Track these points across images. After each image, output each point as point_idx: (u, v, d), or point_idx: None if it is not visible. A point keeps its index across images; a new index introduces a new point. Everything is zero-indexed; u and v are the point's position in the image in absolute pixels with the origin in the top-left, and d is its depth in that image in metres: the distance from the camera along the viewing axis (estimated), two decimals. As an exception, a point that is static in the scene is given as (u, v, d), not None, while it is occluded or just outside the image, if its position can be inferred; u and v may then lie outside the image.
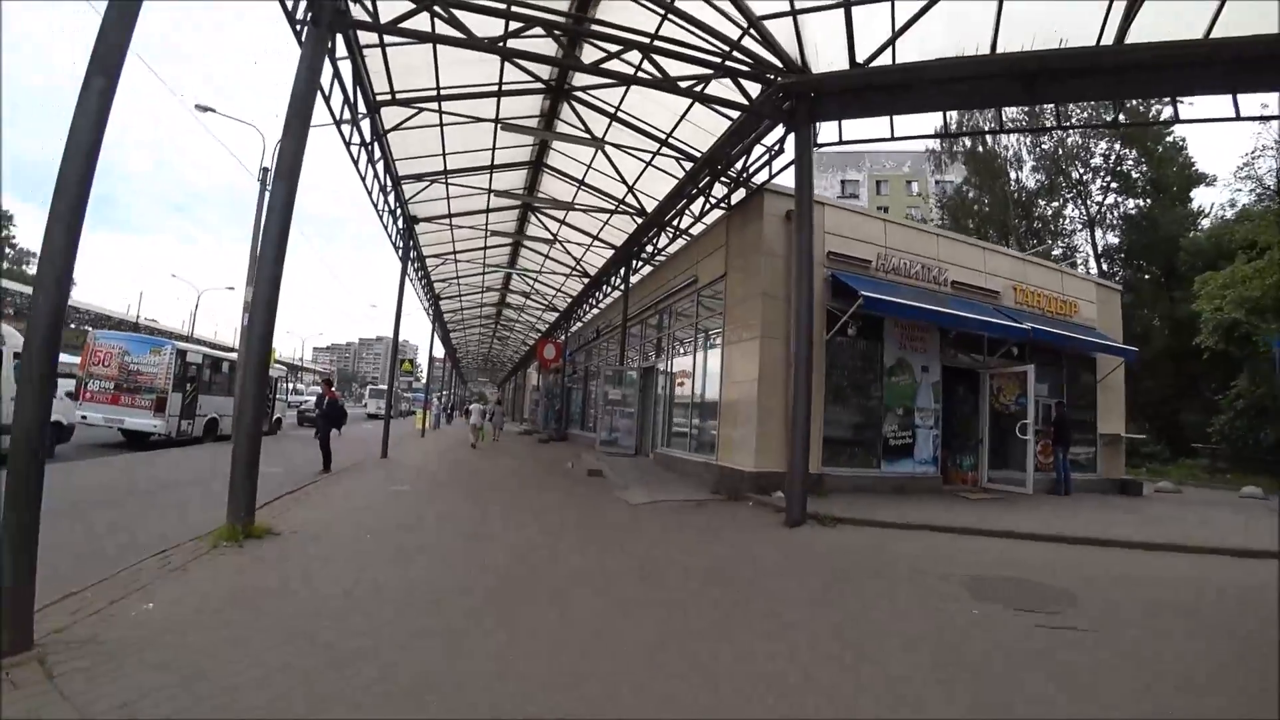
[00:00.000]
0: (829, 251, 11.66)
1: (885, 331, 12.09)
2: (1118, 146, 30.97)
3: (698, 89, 8.80)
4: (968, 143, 34.57)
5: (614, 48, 8.37)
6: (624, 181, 13.73)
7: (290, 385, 29.79)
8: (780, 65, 8.89)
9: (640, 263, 17.64)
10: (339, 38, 8.12)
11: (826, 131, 9.70)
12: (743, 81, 9.05)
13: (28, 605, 3.21)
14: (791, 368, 10.71)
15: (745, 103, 9.12)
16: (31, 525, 3.24)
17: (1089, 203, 32.17)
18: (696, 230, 14.48)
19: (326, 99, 8.84)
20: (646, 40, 8.44)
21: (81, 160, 3.45)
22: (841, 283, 11.44)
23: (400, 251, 16.47)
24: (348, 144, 10.16)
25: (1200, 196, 30.74)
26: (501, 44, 7.85)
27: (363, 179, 11.68)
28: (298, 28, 7.16)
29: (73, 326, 35.13)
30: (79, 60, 3.62)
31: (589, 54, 9.04)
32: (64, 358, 23.43)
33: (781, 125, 9.78)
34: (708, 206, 12.79)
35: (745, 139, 10.61)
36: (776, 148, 10.41)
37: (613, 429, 17.21)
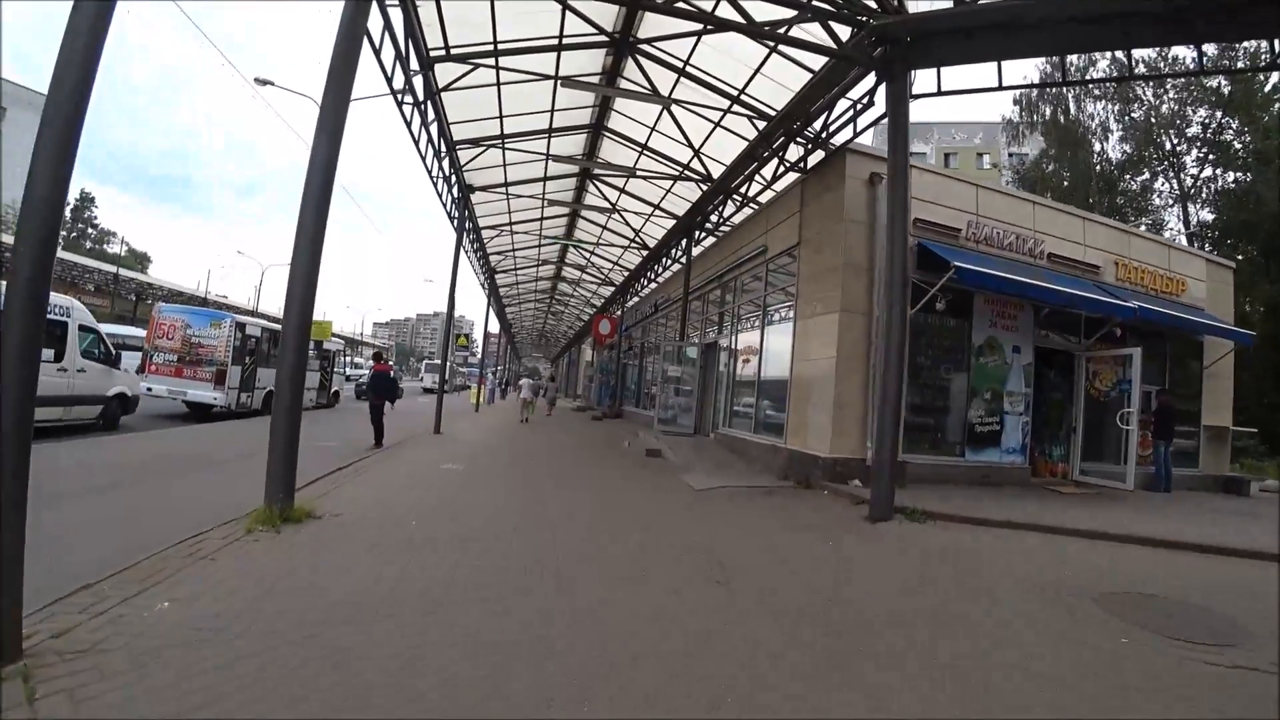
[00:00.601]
0: (915, 218, 10.47)
1: (975, 308, 10.99)
2: (1219, 114, 28.19)
3: (780, 31, 7.83)
4: (1048, 111, 32.06)
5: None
6: (690, 145, 12.84)
7: (349, 358, 30.11)
8: (873, 6, 7.90)
9: (703, 234, 16.76)
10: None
11: (922, 81, 8.67)
12: (831, 25, 8.07)
13: (13, 610, 2.71)
14: (874, 345, 9.90)
15: (833, 46, 8.12)
16: (14, 521, 2.71)
17: (1182, 175, 29.52)
18: (765, 198, 13.55)
19: (377, 51, 8.27)
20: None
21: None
22: (929, 252, 10.35)
23: (455, 222, 16.00)
24: (399, 102, 9.58)
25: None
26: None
27: (415, 142, 11.14)
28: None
29: (148, 302, 36.45)
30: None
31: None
32: (133, 330, 24.27)
33: (873, 74, 8.74)
34: (781, 171, 11.80)
35: (828, 92, 9.62)
36: (864, 101, 9.39)
37: (671, 407, 16.51)
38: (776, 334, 12.33)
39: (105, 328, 13.46)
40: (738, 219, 15.00)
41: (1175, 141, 29.79)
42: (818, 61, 9.37)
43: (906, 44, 8.01)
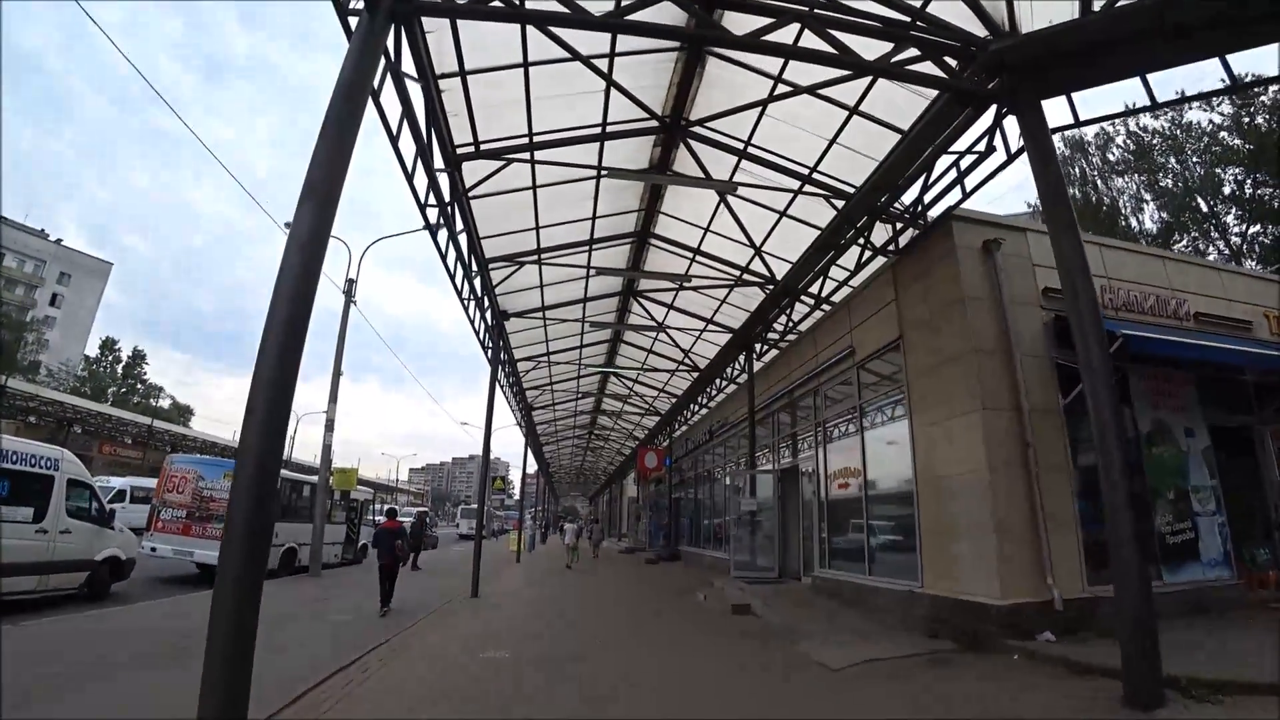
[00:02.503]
0: (1045, 287, 8.68)
1: (1131, 387, 8.84)
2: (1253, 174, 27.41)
3: (880, 63, 6.29)
4: (1077, 193, 31.03)
5: (763, 20, 6.08)
6: (750, 242, 11.30)
7: (378, 507, 28.02)
8: (982, 34, 6.44)
9: (764, 347, 14.93)
10: (405, 49, 6.24)
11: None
12: (938, 58, 6.57)
13: None
14: (1031, 448, 7.68)
15: (944, 76, 6.55)
16: None
17: (1229, 236, 27.98)
18: (838, 296, 11.80)
19: (393, 139, 6.93)
20: (806, 9, 6.16)
21: None
22: (1069, 327, 8.38)
23: (490, 352, 14.48)
24: (422, 206, 8.18)
25: None
26: (615, 18, 5.69)
27: (443, 256, 9.72)
28: (347, 19, 5.26)
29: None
30: None
31: (731, 22, 6.82)
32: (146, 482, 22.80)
33: (991, 112, 7.15)
34: (865, 258, 10.08)
35: (925, 150, 8.03)
36: (982, 145, 7.73)
37: (747, 547, 13.95)
38: (883, 447, 10.09)
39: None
40: (805, 325, 13.22)
41: (1211, 203, 28.73)
42: (907, 118, 7.89)
43: (1030, 68, 6.44)
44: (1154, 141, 30.18)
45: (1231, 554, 8.87)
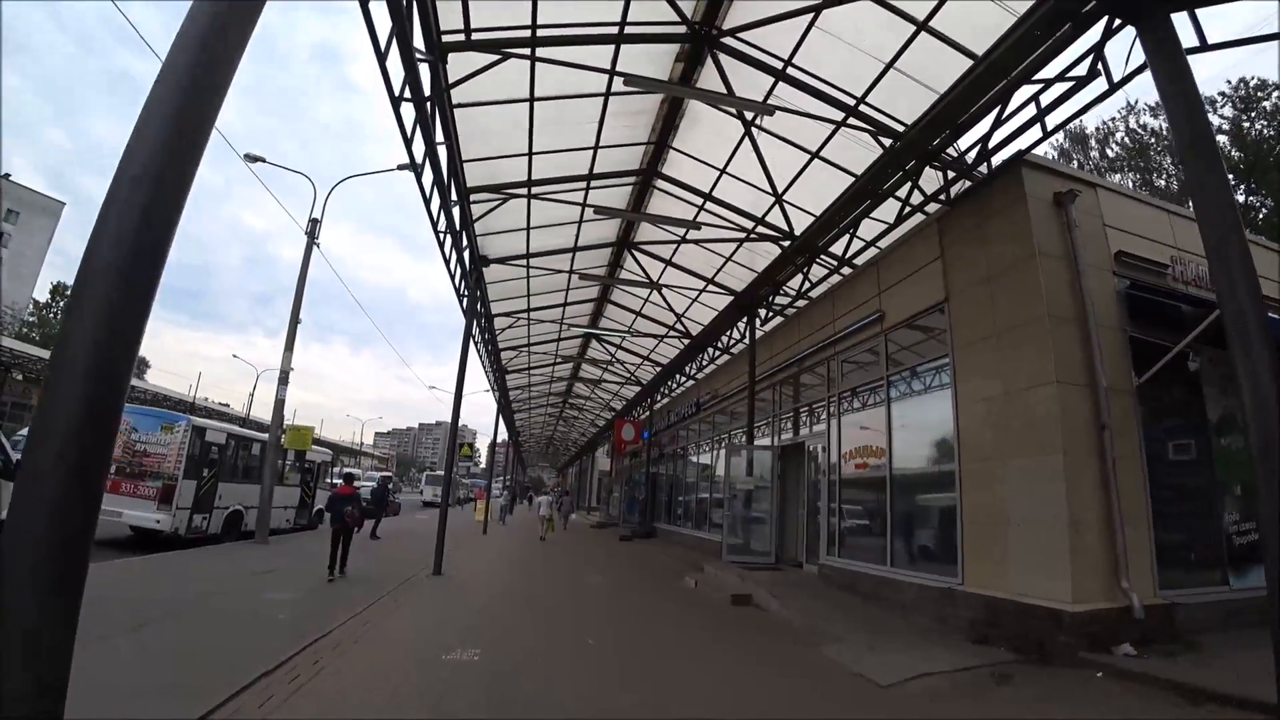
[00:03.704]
0: (1118, 251, 7.57)
1: (1203, 372, 7.80)
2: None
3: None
4: None
5: None
6: (771, 189, 9.94)
7: (335, 469, 26.42)
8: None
9: (769, 313, 13.66)
10: None
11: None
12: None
13: None
14: (1109, 431, 6.58)
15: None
16: None
17: None
18: (862, 259, 10.56)
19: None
20: None
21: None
22: (1144, 299, 7.33)
23: (465, 302, 12.97)
24: (396, 100, 6.61)
25: None
26: None
27: (417, 172, 8.15)
28: None
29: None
30: None
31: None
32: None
33: (1100, 25, 5.84)
34: (909, 209, 8.78)
35: (1007, 73, 6.69)
36: (1082, 69, 6.42)
37: (741, 529, 12.80)
38: (916, 423, 8.96)
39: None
40: (818, 290, 11.97)
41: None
42: (986, 39, 6.58)
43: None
44: (1151, 141, 29.73)
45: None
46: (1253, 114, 29.39)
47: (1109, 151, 31.15)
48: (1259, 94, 29.07)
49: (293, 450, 17.67)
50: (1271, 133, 28.84)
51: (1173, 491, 7.16)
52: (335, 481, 19.66)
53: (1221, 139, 30.02)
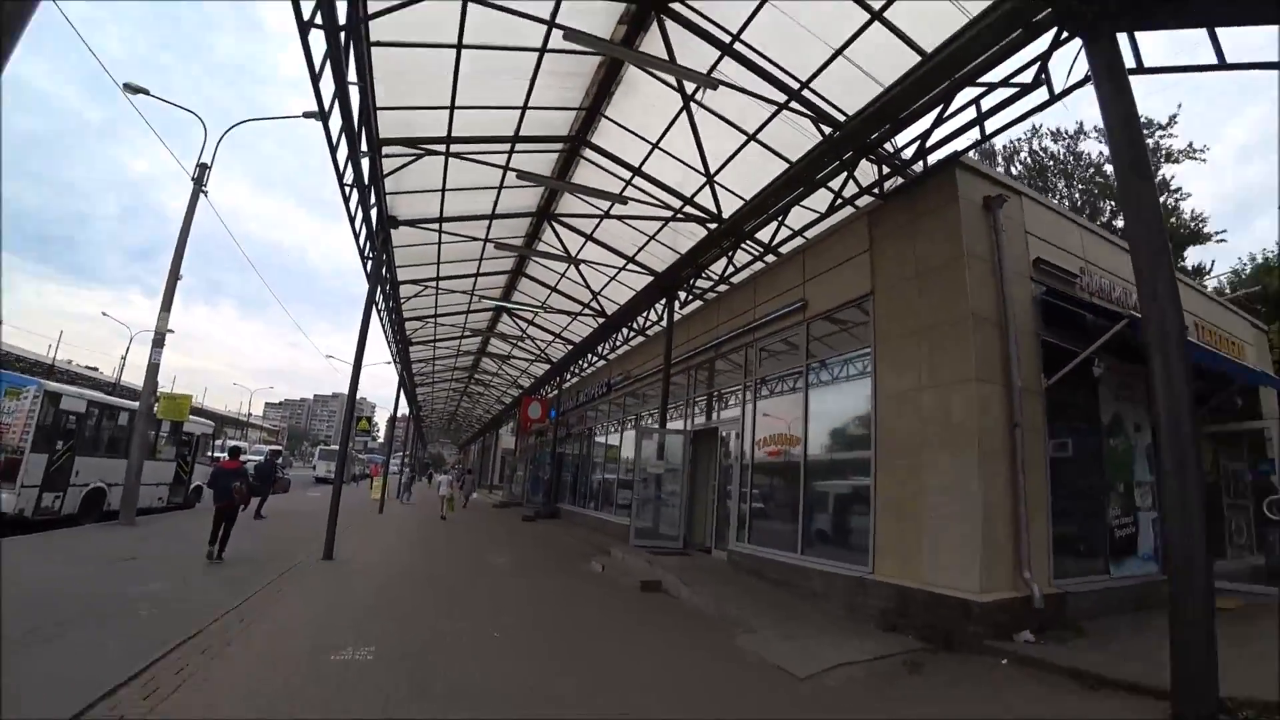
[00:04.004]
0: (1036, 258, 7.85)
1: (1100, 379, 8.24)
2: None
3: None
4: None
5: None
6: (704, 169, 9.69)
7: (219, 442, 24.35)
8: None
9: (689, 296, 13.49)
10: None
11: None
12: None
13: None
14: (1020, 430, 6.80)
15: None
16: None
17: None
18: (787, 249, 10.53)
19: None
20: None
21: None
22: (1057, 306, 7.66)
23: (370, 265, 12.04)
24: (303, 25, 5.81)
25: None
26: None
27: (324, 114, 7.28)
28: None
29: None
30: None
31: None
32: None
33: (1049, 36, 5.88)
34: (842, 200, 8.75)
35: (953, 72, 6.64)
36: (1026, 77, 6.46)
37: (650, 514, 12.63)
38: (833, 413, 9.02)
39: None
40: (740, 276, 11.90)
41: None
42: (936, 35, 6.57)
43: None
44: (1050, 164, 31.90)
45: (1158, 550, 8.70)
46: None
47: (1013, 170, 33.14)
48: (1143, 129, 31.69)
49: (168, 421, 16.01)
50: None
51: (1068, 488, 7.52)
52: (220, 456, 18.05)
53: (1109, 168, 32.59)
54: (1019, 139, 33.62)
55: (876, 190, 8.37)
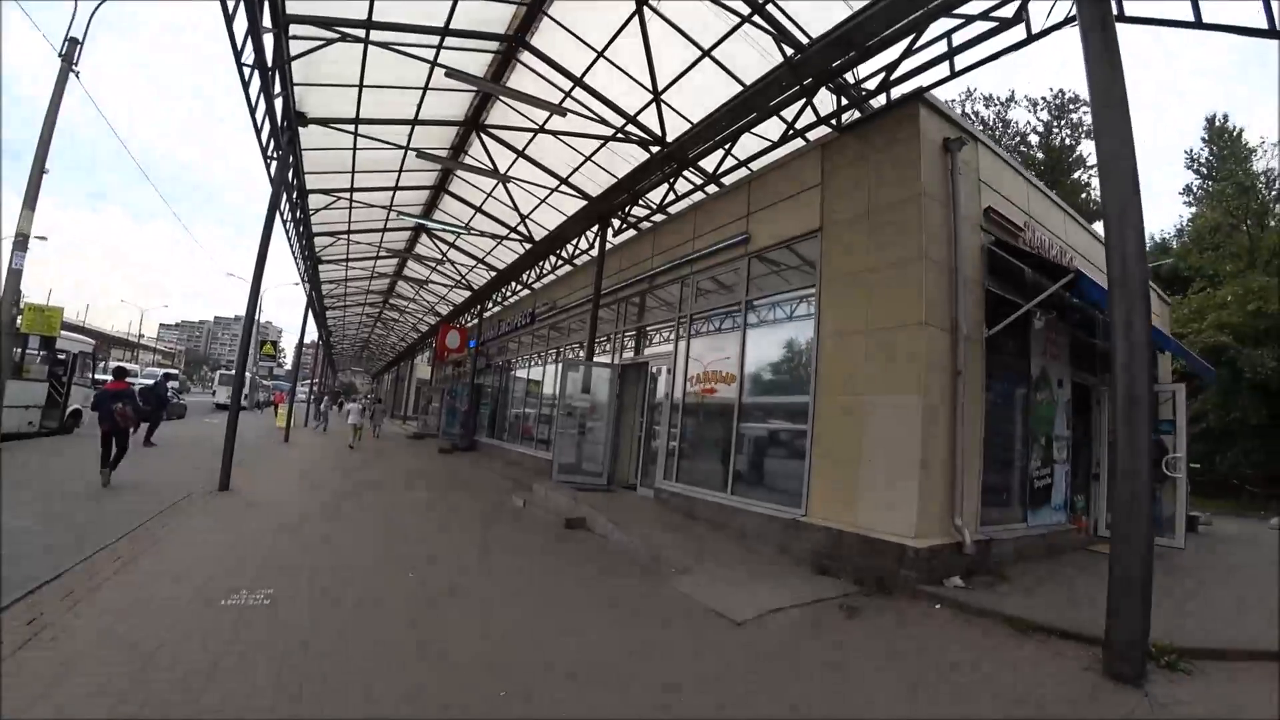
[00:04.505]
0: (987, 207, 7.71)
1: (1031, 331, 8.36)
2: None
3: None
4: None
5: None
6: (650, 85, 8.97)
7: (99, 364, 22.12)
8: None
9: (622, 224, 12.86)
10: None
11: None
12: None
13: None
14: (963, 377, 6.75)
15: None
16: None
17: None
18: (730, 180, 10.06)
19: None
20: None
21: None
22: (1002, 257, 7.60)
23: (274, 167, 10.73)
24: None
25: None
26: None
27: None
28: None
29: None
30: None
31: None
32: None
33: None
34: (798, 127, 8.30)
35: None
36: (1008, 11, 6.10)
37: (572, 449, 12.27)
38: (771, 352, 8.79)
39: None
40: (679, 206, 11.37)
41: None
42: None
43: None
44: (979, 129, 32.70)
45: (1067, 500, 9.11)
46: (1062, 122, 33.30)
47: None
48: (1071, 105, 32.87)
49: (36, 337, 14.26)
50: (1070, 142, 32.85)
51: (999, 437, 7.63)
52: (104, 378, 16.35)
53: (1033, 139, 33.74)
54: (954, 99, 34.18)
55: (834, 122, 7.94)
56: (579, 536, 8.38)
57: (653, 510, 9.68)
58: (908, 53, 6.93)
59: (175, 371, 44.21)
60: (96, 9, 13.38)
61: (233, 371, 14.04)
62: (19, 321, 12.77)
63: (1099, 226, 7.47)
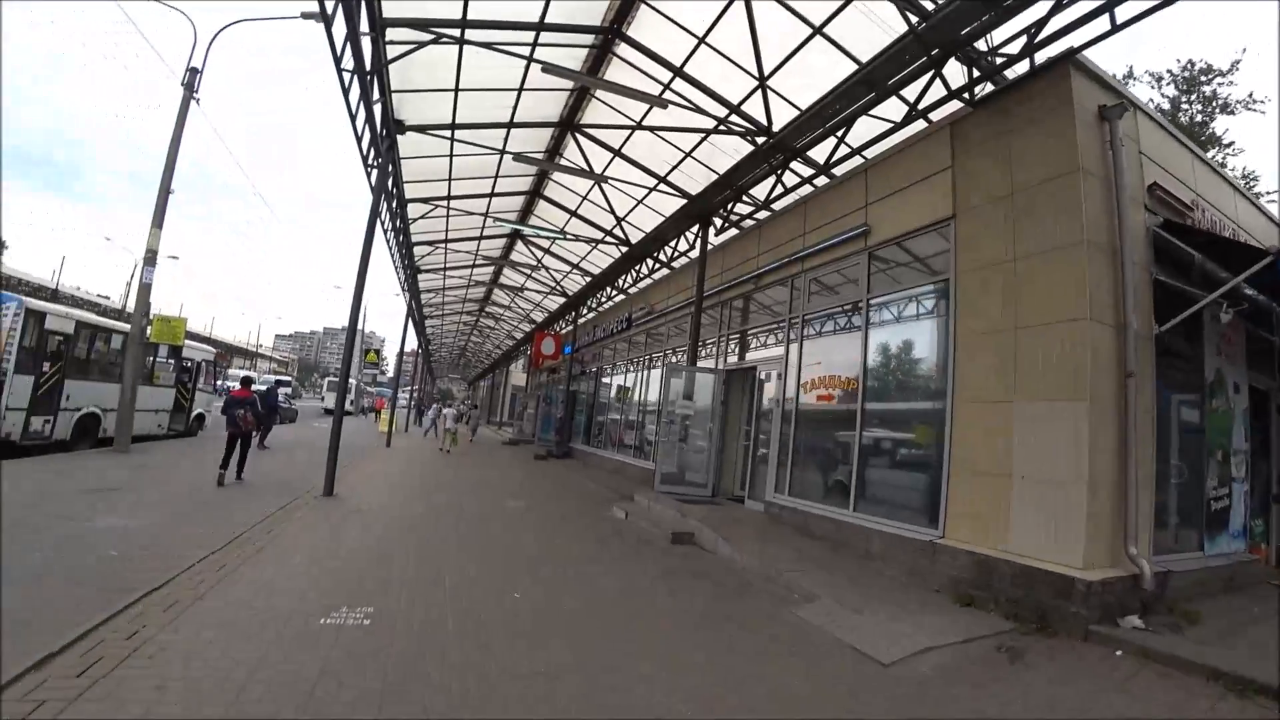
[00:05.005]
0: (1151, 184, 6.65)
1: (1204, 327, 7.16)
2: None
3: None
4: None
5: None
6: (756, 70, 8.39)
7: (223, 370, 23.65)
8: None
9: (724, 223, 12.29)
10: None
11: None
12: None
13: None
14: (1135, 380, 5.78)
15: None
16: None
17: None
18: (842, 170, 9.33)
19: None
20: None
21: None
22: (1171, 241, 6.51)
23: (374, 175, 10.86)
24: None
25: None
26: None
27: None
28: None
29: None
30: None
31: None
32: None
33: None
34: (912, 112, 7.52)
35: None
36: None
37: (674, 458, 11.79)
38: (897, 353, 8.00)
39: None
40: (784, 201, 10.68)
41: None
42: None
43: None
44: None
45: (1245, 525, 7.83)
46: (1192, 96, 29.78)
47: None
48: (1202, 78, 29.42)
49: (165, 346, 15.33)
50: (1203, 118, 29.44)
51: (1172, 452, 6.56)
52: (230, 385, 17.46)
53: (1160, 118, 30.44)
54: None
55: (966, 95, 7.09)
56: (687, 553, 7.88)
57: (764, 525, 9.04)
58: (1057, 6, 6.02)
59: (287, 378, 47.07)
60: (215, 38, 14.10)
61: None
62: (148, 331, 13.68)
63: (1274, 208, 6.26)
